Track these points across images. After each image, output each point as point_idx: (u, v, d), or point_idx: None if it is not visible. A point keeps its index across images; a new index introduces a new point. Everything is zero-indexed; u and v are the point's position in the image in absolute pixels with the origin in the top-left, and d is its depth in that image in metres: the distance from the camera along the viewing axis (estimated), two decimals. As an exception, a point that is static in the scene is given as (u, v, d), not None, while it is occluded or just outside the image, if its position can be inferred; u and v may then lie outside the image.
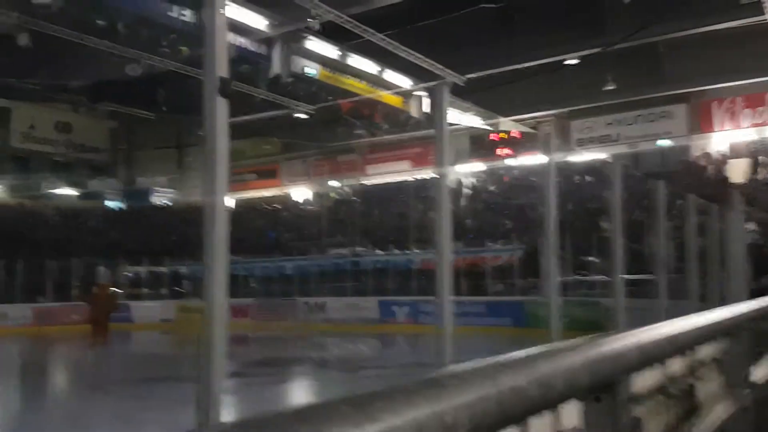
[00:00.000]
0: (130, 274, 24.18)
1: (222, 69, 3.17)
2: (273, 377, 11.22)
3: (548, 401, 1.18)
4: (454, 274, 8.11)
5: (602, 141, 23.49)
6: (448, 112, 8.79)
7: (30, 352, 17.49)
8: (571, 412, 1.50)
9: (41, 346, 18.36)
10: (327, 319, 20.06)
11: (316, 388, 10.71)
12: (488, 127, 24.03)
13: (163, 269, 23.91)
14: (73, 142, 34.26)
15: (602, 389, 1.47)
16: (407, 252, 21.04)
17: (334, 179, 30.22)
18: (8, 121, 32.04)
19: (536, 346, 1.27)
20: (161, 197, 35.02)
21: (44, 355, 16.96)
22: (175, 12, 14.22)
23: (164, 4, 14.40)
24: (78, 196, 33.84)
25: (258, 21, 14.57)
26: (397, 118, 22.16)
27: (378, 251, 22.34)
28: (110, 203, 34.57)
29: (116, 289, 21.53)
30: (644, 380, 2.08)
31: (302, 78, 18.04)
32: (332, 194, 30.12)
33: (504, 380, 1.06)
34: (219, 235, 3.53)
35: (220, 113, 3.22)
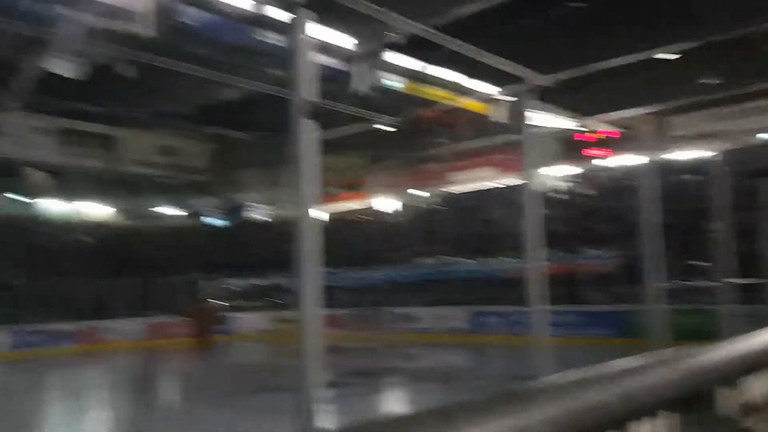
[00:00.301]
0: (231, 288, 25.22)
1: (308, 92, 3.30)
2: (367, 387, 11.36)
3: (636, 414, 1.15)
4: (549, 283, 7.90)
5: (703, 137, 22.23)
6: (535, 114, 8.63)
7: (142, 365, 18.61)
8: (668, 424, 1.44)
9: (152, 358, 19.50)
10: (417, 330, 20.07)
11: (410, 398, 10.75)
12: (579, 128, 23.33)
13: (261, 282, 24.77)
14: (177, 165, 36.46)
15: (698, 400, 1.41)
16: (497, 260, 20.73)
17: (419, 189, 30.31)
18: (117, 148, 34.52)
19: (624, 359, 1.24)
20: (257, 213, 36.53)
21: (154, 367, 17.99)
22: (264, 37, 14.86)
23: (255, 30, 15.08)
24: (181, 216, 35.93)
25: (342, 39, 14.95)
26: (482, 125, 21.97)
27: (467, 260, 22.14)
28: (211, 221, 36.43)
29: (220, 302, 22.50)
30: (754, 389, 1.96)
31: (386, 91, 18.28)
32: (418, 204, 30.25)
33: (589, 394, 1.04)
34: (310, 248, 3.64)
35: (307, 134, 3.35)
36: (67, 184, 33.39)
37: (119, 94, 26.22)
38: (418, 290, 21.24)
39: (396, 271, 22.83)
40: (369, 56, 16.73)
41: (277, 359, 17.01)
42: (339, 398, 9.57)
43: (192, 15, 16.74)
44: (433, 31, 14.18)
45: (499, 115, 19.91)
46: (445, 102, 19.43)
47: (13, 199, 30.13)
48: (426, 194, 30.12)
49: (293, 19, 3.46)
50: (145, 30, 17.38)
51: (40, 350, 19.90)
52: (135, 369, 17.74)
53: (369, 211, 31.74)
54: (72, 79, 27.40)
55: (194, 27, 16.35)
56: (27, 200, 31.21)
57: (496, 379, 11.19)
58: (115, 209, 34.50)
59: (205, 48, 18.04)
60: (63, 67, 24.94)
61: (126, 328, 22.01)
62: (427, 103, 19.72)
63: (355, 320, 20.62)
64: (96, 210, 33.79)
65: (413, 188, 30.43)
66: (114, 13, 16.66)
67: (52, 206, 32.29)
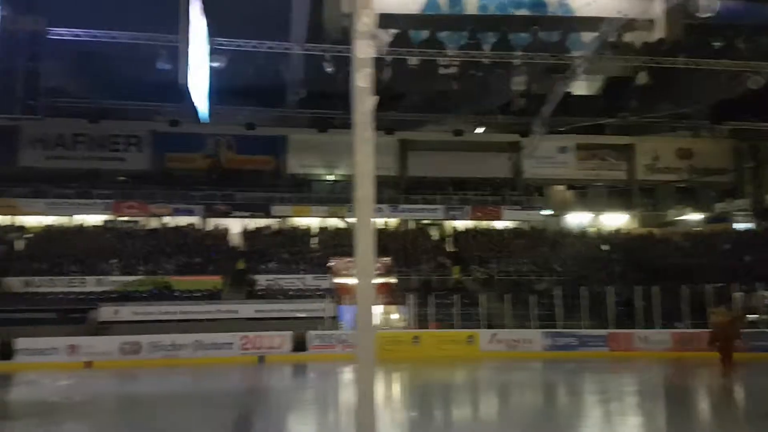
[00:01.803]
0: (768, 299, 22.31)
1: None
2: None
3: None
4: None
5: None
6: None
7: (670, 376, 18.06)
8: None
9: (679, 370, 18.74)
10: None
11: None
12: None
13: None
14: (695, 167, 34.60)
15: None
16: None
17: None
18: (633, 156, 34.90)
19: None
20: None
21: (684, 380, 17.18)
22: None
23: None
24: (704, 220, 33.76)
25: None
26: None
27: None
28: (739, 225, 33.04)
29: (747, 315, 20.07)
30: None
31: None
32: None
33: None
34: None
35: None
36: (586, 197, 35.55)
37: (633, 104, 26.68)
38: None
39: None
40: None
41: None
42: None
43: (707, 7, 15.59)
44: None
45: None
46: None
47: (545, 215, 33.74)
48: None
49: None
50: (657, 35, 17.17)
51: (573, 353, 21.43)
52: (664, 381, 17.35)
53: None
54: (588, 96, 29.20)
55: (710, 19, 15.28)
56: (555, 215, 34.52)
57: None
58: (633, 217, 34.82)
59: (724, 39, 16.62)
60: (581, 86, 26.75)
61: (656, 337, 21.77)
62: None
63: None
64: (614, 219, 34.76)
65: None
66: (626, 26, 17.06)
67: (575, 219, 34.75)
